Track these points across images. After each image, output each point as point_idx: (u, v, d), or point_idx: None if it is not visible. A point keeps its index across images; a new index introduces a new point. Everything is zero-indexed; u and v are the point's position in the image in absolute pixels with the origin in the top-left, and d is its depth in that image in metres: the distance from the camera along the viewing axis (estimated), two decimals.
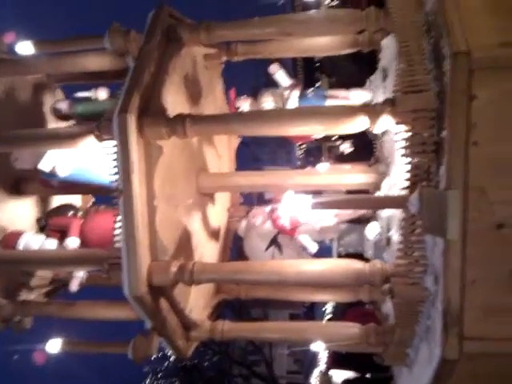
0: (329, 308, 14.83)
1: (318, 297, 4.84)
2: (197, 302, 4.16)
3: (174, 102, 3.76)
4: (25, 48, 4.27)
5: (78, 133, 3.82)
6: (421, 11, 3.35)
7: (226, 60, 4.60)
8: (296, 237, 4.62)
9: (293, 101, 4.81)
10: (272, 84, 5.19)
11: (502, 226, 2.85)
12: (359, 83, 5.05)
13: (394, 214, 4.03)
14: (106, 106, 4.43)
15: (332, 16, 3.87)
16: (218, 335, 4.00)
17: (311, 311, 22.41)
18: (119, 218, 3.31)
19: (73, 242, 4.39)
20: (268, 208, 4.74)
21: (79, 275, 4.21)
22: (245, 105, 4.96)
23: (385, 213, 4.35)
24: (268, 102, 4.88)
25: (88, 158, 4.37)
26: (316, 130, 3.40)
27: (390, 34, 3.73)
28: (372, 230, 4.59)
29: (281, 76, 4.92)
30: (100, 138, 3.65)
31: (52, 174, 4.40)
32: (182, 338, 3.93)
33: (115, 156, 3.32)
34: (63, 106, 4.93)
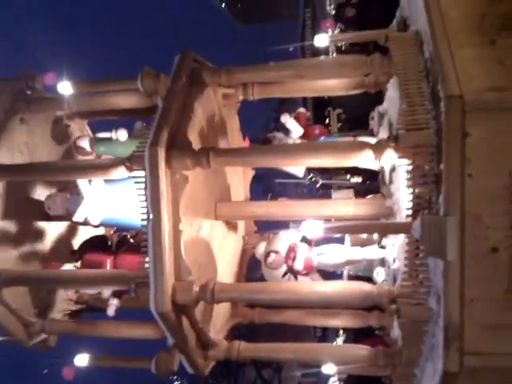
0: (339, 341, 14.85)
1: (329, 321, 5.03)
2: (215, 323, 4.43)
3: (198, 136, 4.17)
4: (64, 88, 4.73)
5: (109, 163, 4.20)
6: (420, 58, 3.75)
7: (242, 99, 5.02)
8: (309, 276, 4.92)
9: None
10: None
11: (496, 249, 3.14)
12: (368, 115, 5.40)
13: (399, 267, 4.26)
14: (125, 146, 4.79)
15: (340, 61, 4.31)
16: (234, 354, 4.23)
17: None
18: (146, 252, 3.62)
19: None
20: (284, 249, 4.93)
21: (114, 302, 4.60)
22: None
23: (392, 265, 4.61)
24: None
25: (118, 206, 4.67)
26: (327, 162, 3.74)
27: (393, 79, 4.12)
28: (379, 276, 4.81)
29: (292, 124, 5.23)
30: (130, 169, 4.02)
31: (85, 222, 4.75)
32: (200, 356, 4.17)
33: (144, 185, 3.67)
34: (85, 144, 5.28)
